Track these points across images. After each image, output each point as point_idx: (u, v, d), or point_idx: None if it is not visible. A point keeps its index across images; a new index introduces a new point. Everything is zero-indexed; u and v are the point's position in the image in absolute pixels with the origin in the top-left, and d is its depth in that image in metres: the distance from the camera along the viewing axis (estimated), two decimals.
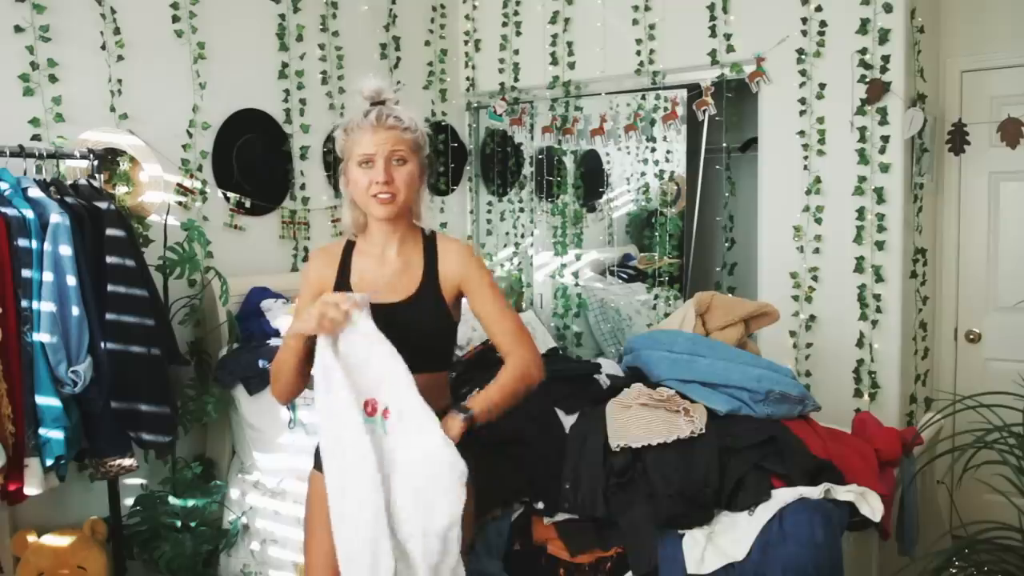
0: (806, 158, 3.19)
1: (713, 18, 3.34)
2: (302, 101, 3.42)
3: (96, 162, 2.52)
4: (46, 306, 2.22)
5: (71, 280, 2.27)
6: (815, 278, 3.20)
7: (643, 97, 3.90)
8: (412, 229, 1.85)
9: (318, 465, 1.86)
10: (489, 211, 4.26)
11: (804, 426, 2.34)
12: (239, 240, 3.22)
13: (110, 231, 2.38)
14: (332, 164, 3.55)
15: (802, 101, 3.18)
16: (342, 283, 1.82)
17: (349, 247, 1.86)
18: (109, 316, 2.35)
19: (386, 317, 1.72)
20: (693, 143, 4.01)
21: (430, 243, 1.85)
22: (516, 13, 3.90)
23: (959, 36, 3.31)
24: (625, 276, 4.26)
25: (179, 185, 3.01)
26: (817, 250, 3.19)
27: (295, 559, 2.63)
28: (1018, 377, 2.37)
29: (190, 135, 3.05)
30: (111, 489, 2.60)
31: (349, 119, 1.78)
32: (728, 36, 3.33)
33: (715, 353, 2.46)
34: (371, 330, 1.69)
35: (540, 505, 2.22)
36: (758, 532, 1.95)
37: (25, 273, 2.22)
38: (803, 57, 3.16)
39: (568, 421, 2.41)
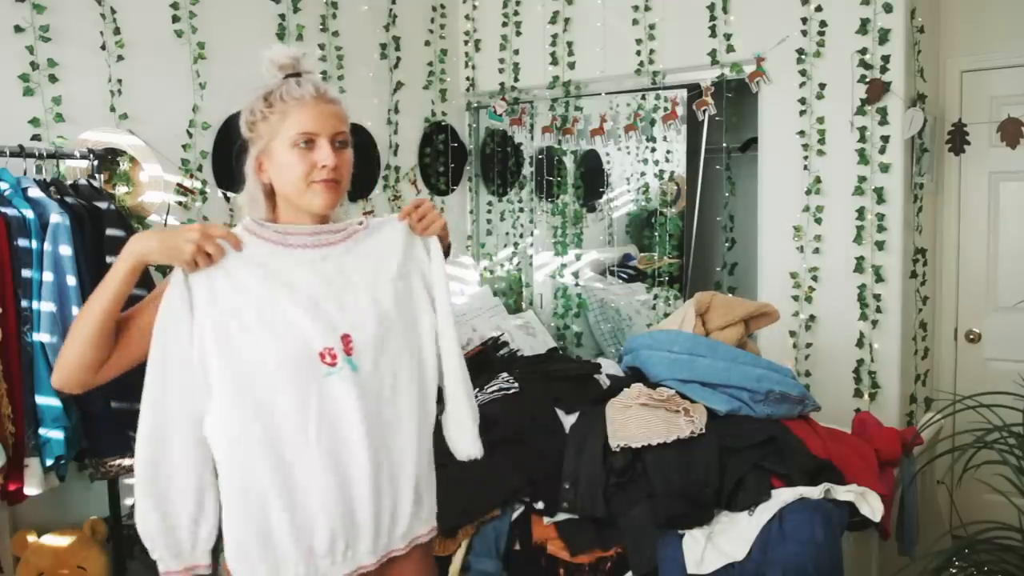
0: (806, 158, 3.18)
1: (713, 18, 3.34)
2: None
3: (96, 162, 2.52)
4: (46, 306, 2.22)
5: (71, 280, 2.26)
6: (815, 278, 3.20)
7: (643, 97, 3.90)
8: None
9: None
10: (489, 211, 4.26)
11: (804, 426, 2.35)
12: None
13: (110, 231, 2.38)
14: None
15: (802, 101, 3.18)
16: None
17: None
18: None
19: None
20: (693, 143, 4.01)
21: None
22: (516, 13, 3.90)
23: (959, 36, 3.31)
24: (625, 276, 4.27)
25: (179, 185, 3.01)
26: (817, 250, 3.19)
27: None
28: (1018, 377, 2.37)
29: (190, 135, 3.05)
30: (111, 489, 2.60)
31: (268, 89, 1.43)
32: (728, 36, 3.33)
33: (715, 353, 2.46)
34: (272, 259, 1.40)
35: (540, 505, 2.22)
36: (758, 532, 1.95)
37: (25, 273, 2.22)
38: (803, 57, 3.16)
39: (568, 421, 2.41)
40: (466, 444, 1.56)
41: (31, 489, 2.23)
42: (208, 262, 1.34)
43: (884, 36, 2.99)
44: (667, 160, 4.05)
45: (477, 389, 1.56)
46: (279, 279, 1.38)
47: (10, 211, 2.21)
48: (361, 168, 3.95)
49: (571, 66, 3.77)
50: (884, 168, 3.03)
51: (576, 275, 4.00)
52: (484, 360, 2.93)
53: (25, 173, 2.40)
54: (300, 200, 1.43)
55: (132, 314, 1.39)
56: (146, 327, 1.35)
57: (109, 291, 1.32)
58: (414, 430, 1.48)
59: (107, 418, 2.36)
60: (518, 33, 3.91)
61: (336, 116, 1.44)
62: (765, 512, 1.99)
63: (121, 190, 2.74)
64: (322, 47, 3.49)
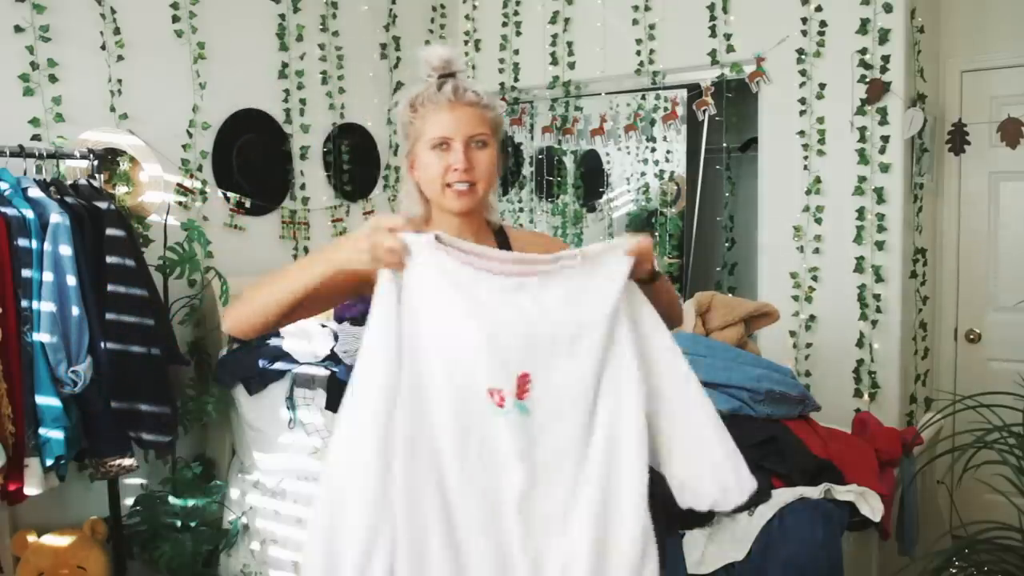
0: (806, 158, 3.18)
1: (713, 18, 3.34)
2: (302, 101, 3.42)
3: (96, 162, 2.52)
4: (46, 306, 2.22)
5: (71, 280, 2.27)
6: (815, 278, 3.20)
7: (643, 97, 3.90)
8: (484, 225, 1.55)
9: None
10: None
11: (804, 426, 2.34)
12: (239, 240, 3.22)
13: (110, 231, 2.39)
14: (332, 164, 3.55)
15: (802, 101, 3.18)
16: None
17: None
18: (109, 316, 2.35)
19: None
20: (693, 143, 4.01)
21: (502, 238, 1.56)
22: (516, 13, 3.90)
23: (959, 36, 3.31)
24: None
25: (179, 185, 3.01)
26: (817, 250, 3.19)
27: (295, 559, 2.63)
28: (1018, 377, 2.37)
29: (190, 135, 3.05)
30: (111, 489, 2.61)
31: (415, 92, 1.47)
32: (728, 36, 3.33)
33: (715, 353, 2.46)
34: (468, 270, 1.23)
35: None
36: (758, 532, 1.95)
37: (25, 273, 2.22)
38: (803, 57, 3.16)
39: None
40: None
41: (31, 489, 2.23)
42: (399, 267, 1.24)
43: (884, 36, 2.99)
44: (667, 160, 4.05)
45: None
46: (462, 301, 1.23)
47: (10, 211, 2.22)
48: (362, 168, 3.96)
49: (571, 66, 3.77)
50: (884, 168, 3.03)
51: None
52: None
53: (25, 173, 2.40)
54: (438, 199, 1.46)
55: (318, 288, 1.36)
56: (320, 301, 1.40)
57: (300, 284, 1.33)
58: (593, 508, 1.23)
59: (107, 418, 2.37)
60: (518, 33, 3.91)
61: (473, 118, 1.44)
62: (765, 512, 1.98)
63: (121, 190, 2.74)
64: (322, 47, 3.49)
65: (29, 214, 2.24)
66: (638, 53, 3.56)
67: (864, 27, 3.01)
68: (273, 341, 2.81)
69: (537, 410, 1.22)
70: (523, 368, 1.22)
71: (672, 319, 1.46)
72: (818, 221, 3.18)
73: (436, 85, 1.45)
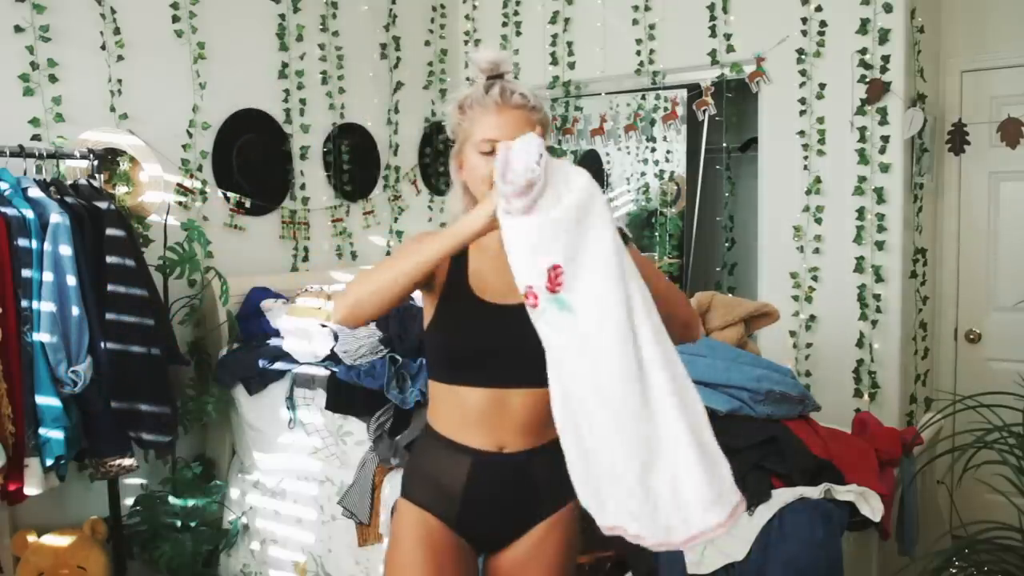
0: (806, 158, 3.18)
1: (713, 18, 3.34)
2: (302, 101, 3.42)
3: (96, 162, 2.52)
4: (46, 306, 2.23)
5: (71, 280, 2.27)
6: (815, 278, 3.20)
7: (643, 97, 3.90)
8: None
9: (407, 491, 1.57)
10: None
11: (804, 426, 2.34)
12: (239, 240, 3.22)
13: (110, 231, 2.39)
14: (332, 164, 3.55)
15: (802, 101, 3.18)
16: (457, 278, 1.51)
17: None
18: (109, 316, 2.36)
19: (506, 322, 1.45)
20: (693, 143, 4.02)
21: None
22: (516, 13, 3.90)
23: (959, 36, 3.31)
24: None
25: (179, 185, 3.01)
26: (817, 250, 3.19)
27: (295, 559, 2.63)
28: (1018, 377, 2.37)
29: (190, 135, 3.05)
30: (111, 489, 2.61)
31: (464, 94, 1.50)
32: (728, 36, 3.33)
33: (715, 353, 2.46)
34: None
35: None
36: (758, 532, 1.95)
37: (25, 273, 2.22)
38: (803, 57, 3.16)
39: None
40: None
41: (31, 489, 2.23)
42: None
43: (884, 36, 2.99)
44: (667, 160, 4.05)
45: None
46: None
47: (10, 211, 2.22)
48: (362, 168, 3.95)
49: (571, 66, 3.77)
50: (884, 168, 3.03)
51: None
52: None
53: (25, 173, 2.40)
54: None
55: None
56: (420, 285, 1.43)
57: (427, 259, 1.36)
58: (673, 403, 1.18)
59: (107, 418, 2.37)
60: (518, 33, 3.91)
61: (519, 120, 1.46)
62: (765, 512, 1.98)
63: (121, 190, 2.74)
64: (322, 47, 3.49)
65: (29, 214, 2.24)
66: (638, 53, 3.56)
67: (864, 27, 3.01)
68: (273, 341, 2.81)
69: (579, 310, 1.19)
70: (552, 260, 1.20)
71: (676, 318, 1.36)
72: (818, 221, 3.18)
73: (484, 87, 1.47)
